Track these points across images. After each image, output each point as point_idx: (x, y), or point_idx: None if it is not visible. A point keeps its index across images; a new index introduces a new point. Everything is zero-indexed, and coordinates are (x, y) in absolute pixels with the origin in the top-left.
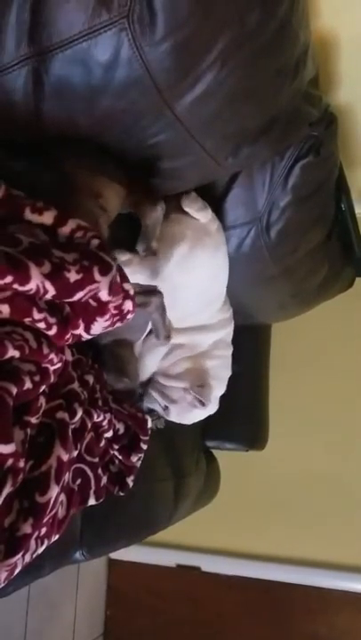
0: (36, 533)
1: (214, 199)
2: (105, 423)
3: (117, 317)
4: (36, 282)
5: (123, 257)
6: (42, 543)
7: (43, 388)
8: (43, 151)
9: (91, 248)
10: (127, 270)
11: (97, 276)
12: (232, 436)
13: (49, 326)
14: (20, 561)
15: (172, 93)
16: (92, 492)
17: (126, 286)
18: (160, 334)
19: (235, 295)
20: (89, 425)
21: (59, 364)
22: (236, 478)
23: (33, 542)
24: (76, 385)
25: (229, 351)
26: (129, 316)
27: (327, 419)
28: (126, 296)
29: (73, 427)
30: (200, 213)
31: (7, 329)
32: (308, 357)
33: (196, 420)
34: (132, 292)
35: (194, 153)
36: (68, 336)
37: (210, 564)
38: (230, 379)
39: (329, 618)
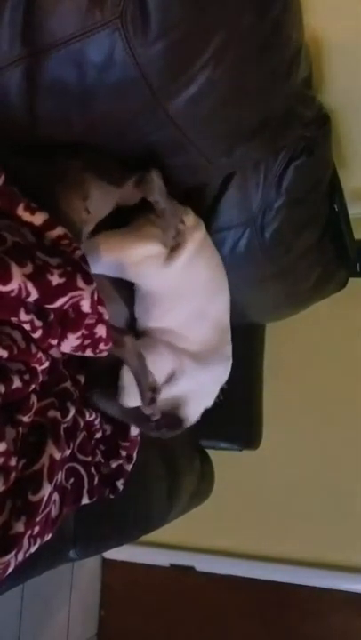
0: (29, 532)
1: (209, 200)
2: (97, 422)
3: (89, 341)
4: (18, 282)
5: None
6: (35, 542)
7: (33, 386)
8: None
9: (74, 257)
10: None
11: (80, 283)
12: (226, 435)
13: (34, 329)
14: (12, 560)
15: (166, 94)
16: (85, 490)
17: (101, 309)
18: (143, 389)
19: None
20: (81, 423)
21: (47, 364)
22: (230, 478)
23: (26, 541)
24: (68, 384)
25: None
26: (102, 346)
27: (321, 418)
28: (100, 319)
29: (65, 425)
30: (186, 221)
31: None
32: (302, 357)
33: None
34: (105, 317)
35: (188, 153)
36: (51, 341)
37: (204, 564)
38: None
39: (324, 618)
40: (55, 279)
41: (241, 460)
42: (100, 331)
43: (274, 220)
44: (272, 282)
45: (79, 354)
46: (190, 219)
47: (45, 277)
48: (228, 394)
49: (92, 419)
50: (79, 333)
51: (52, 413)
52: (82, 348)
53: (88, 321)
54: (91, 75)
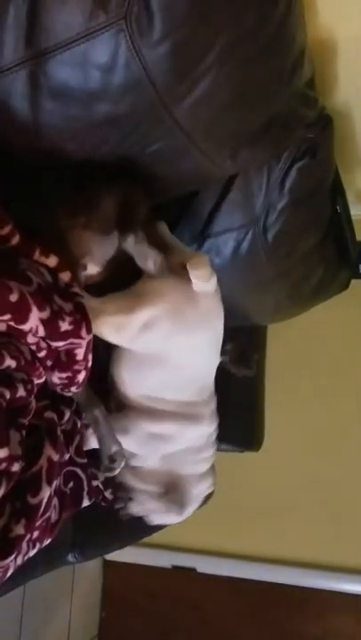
0: (29, 536)
1: (212, 202)
2: None
3: (66, 382)
4: (31, 325)
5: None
6: (34, 546)
7: (33, 396)
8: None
9: (82, 304)
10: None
11: (83, 332)
12: (227, 436)
13: (39, 349)
14: (12, 563)
15: (171, 96)
16: (84, 492)
17: (89, 357)
18: (103, 457)
19: (231, 297)
20: (79, 425)
21: (43, 378)
22: (232, 479)
23: (25, 545)
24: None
25: (212, 451)
26: (74, 389)
27: (323, 420)
28: (85, 367)
29: (63, 428)
30: (199, 281)
31: (4, 340)
32: (304, 359)
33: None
34: (89, 365)
35: (192, 156)
36: (48, 363)
37: (205, 566)
38: (226, 379)
39: (324, 619)
40: (65, 325)
41: (242, 461)
42: (81, 377)
43: (277, 221)
44: (274, 283)
45: (51, 388)
46: (209, 285)
47: (57, 323)
48: (229, 395)
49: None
50: (65, 375)
51: (48, 415)
52: (56, 385)
53: (76, 367)
54: (95, 77)
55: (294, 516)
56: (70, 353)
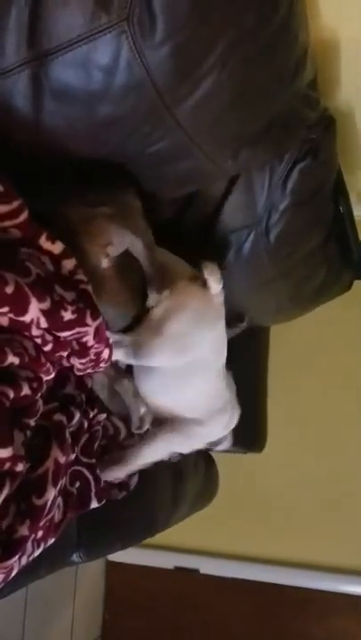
0: (33, 536)
1: (214, 203)
2: (101, 419)
3: (92, 363)
4: (32, 316)
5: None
6: (38, 546)
7: (39, 394)
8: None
9: (88, 291)
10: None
11: (88, 319)
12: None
13: (45, 342)
14: (16, 563)
15: (173, 97)
16: (92, 493)
17: (108, 334)
18: (134, 419)
19: (233, 298)
20: (85, 425)
21: (53, 374)
22: (235, 480)
23: (29, 545)
24: (71, 389)
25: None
26: (102, 365)
27: (325, 420)
28: (107, 345)
29: (71, 429)
30: (214, 284)
31: (7, 336)
32: (307, 360)
33: None
34: (111, 341)
35: (194, 157)
36: (62, 353)
37: (208, 567)
38: None
39: (327, 621)
40: (68, 315)
41: (245, 462)
42: (105, 354)
43: (279, 221)
44: (276, 284)
45: (79, 374)
46: (219, 286)
47: (59, 314)
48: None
49: (94, 414)
50: (85, 360)
51: (57, 417)
52: (82, 370)
53: (95, 350)
54: (97, 78)
55: (297, 517)
56: (79, 341)
